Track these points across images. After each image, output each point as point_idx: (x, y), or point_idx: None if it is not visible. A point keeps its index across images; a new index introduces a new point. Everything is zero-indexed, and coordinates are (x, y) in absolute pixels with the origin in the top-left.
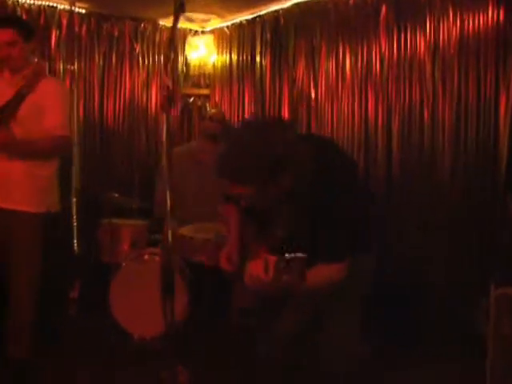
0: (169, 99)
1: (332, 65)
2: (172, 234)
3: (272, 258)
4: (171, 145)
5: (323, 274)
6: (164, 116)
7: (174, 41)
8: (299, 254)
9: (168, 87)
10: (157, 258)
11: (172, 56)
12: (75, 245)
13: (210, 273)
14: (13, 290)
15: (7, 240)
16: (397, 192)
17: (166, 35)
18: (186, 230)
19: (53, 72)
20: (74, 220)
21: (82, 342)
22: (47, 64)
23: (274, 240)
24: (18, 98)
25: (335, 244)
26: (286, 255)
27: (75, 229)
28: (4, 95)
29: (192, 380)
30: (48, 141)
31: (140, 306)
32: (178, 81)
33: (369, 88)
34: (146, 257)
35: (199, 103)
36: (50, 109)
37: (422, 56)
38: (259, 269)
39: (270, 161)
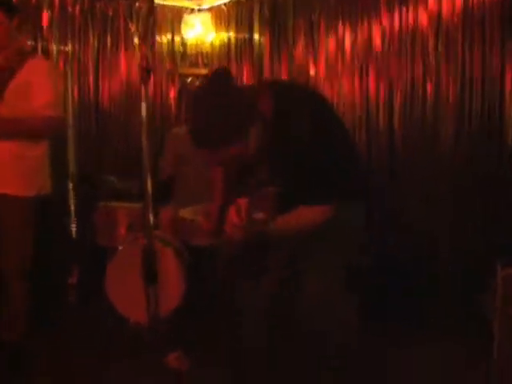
0: (147, 71)
1: (332, 41)
2: (166, 218)
3: (242, 200)
4: (168, 126)
5: (304, 215)
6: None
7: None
8: (268, 189)
9: (146, 58)
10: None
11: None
12: (73, 229)
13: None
14: (3, 276)
15: None
16: (399, 168)
17: (161, 14)
18: (186, 213)
19: (46, 53)
20: (71, 204)
21: (79, 328)
22: (40, 45)
23: (252, 188)
24: (4, 77)
25: (316, 185)
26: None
27: (72, 213)
28: None
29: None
30: (37, 120)
31: (136, 290)
32: (174, 61)
33: (369, 64)
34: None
35: (197, 83)
36: (38, 88)
37: (424, 29)
38: (233, 214)
39: (230, 115)
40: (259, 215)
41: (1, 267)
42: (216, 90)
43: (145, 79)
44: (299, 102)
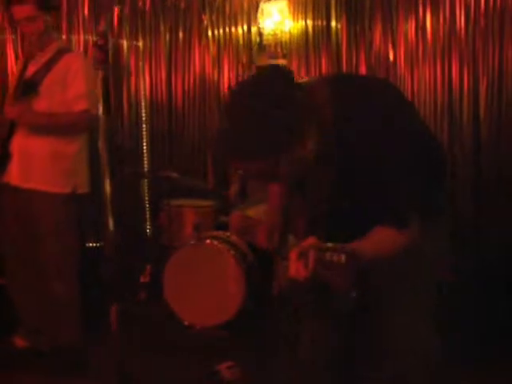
0: (105, 51)
1: (412, 25)
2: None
3: (312, 254)
4: None
5: (381, 239)
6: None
7: None
8: (346, 248)
9: (102, 34)
10: (217, 244)
11: None
12: (147, 228)
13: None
14: (47, 277)
15: (33, 222)
16: (486, 164)
17: (237, 4)
18: (254, 212)
19: (117, 49)
20: (146, 202)
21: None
22: (111, 41)
23: (315, 212)
24: (42, 72)
25: (392, 207)
26: (329, 246)
27: (147, 211)
28: (30, 71)
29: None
30: (70, 115)
31: (194, 293)
32: (252, 52)
33: (453, 48)
34: (208, 241)
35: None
36: (72, 82)
37: None
38: (299, 264)
39: (277, 126)
40: (331, 273)
41: (43, 265)
42: (257, 91)
43: (102, 61)
44: (369, 106)
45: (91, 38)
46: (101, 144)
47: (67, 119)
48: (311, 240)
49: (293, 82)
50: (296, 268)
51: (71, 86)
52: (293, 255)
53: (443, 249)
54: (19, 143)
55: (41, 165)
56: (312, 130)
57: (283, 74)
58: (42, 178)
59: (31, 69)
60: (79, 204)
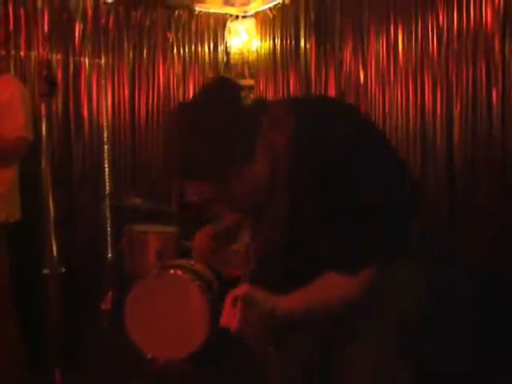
0: (50, 82)
1: (383, 45)
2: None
3: (239, 306)
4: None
5: (331, 287)
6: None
7: None
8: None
9: (48, 64)
10: (180, 274)
11: None
12: (108, 252)
13: None
14: None
15: None
16: (460, 192)
17: (203, 22)
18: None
19: (78, 67)
20: (108, 227)
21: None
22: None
23: (266, 244)
24: None
25: (346, 247)
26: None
27: (108, 235)
28: None
29: None
30: (5, 142)
31: (157, 324)
32: (219, 71)
33: (425, 69)
34: (171, 271)
35: (243, 95)
36: (8, 108)
37: (489, 27)
38: (231, 312)
39: (222, 141)
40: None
41: None
42: (201, 107)
43: (47, 93)
44: (334, 130)
45: (52, 56)
46: (44, 167)
47: (4, 147)
48: (244, 288)
49: (239, 95)
50: (227, 316)
51: (7, 111)
52: (227, 302)
53: (416, 289)
54: None
55: None
56: (266, 152)
57: (231, 86)
58: None
59: None
60: (10, 232)
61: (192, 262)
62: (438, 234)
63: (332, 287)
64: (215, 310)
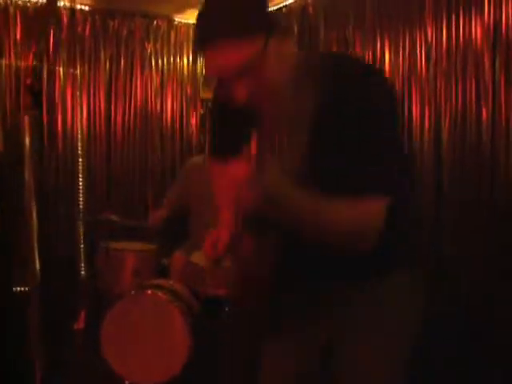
0: (34, 92)
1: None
2: (176, 263)
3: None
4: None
5: (345, 210)
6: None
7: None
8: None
9: (31, 72)
10: (160, 295)
11: None
12: (82, 270)
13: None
14: None
15: None
16: (449, 210)
17: (183, 33)
18: (197, 257)
19: (52, 77)
20: (81, 244)
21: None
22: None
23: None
24: None
25: (368, 168)
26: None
27: (82, 252)
28: None
29: None
30: None
31: (135, 348)
32: (197, 84)
33: (413, 86)
34: (150, 292)
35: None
36: None
37: (478, 44)
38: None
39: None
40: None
41: None
42: None
43: (30, 106)
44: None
45: (23, 64)
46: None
47: None
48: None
49: None
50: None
51: None
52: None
53: (417, 301)
54: None
55: None
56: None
57: None
58: None
59: None
60: None
61: (171, 282)
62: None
63: (342, 205)
64: (196, 332)
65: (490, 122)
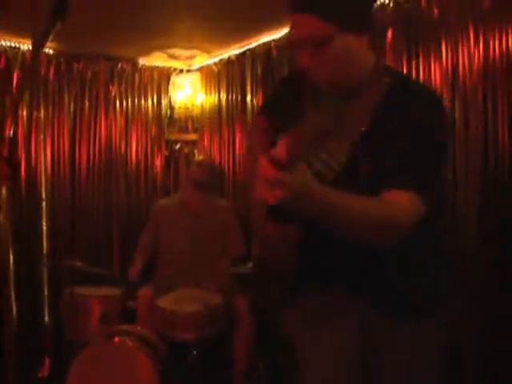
0: (12, 163)
1: None
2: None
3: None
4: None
5: (383, 205)
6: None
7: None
8: None
9: (9, 142)
10: (129, 342)
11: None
12: (46, 317)
13: (199, 352)
14: None
15: None
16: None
17: (147, 76)
18: (165, 302)
19: (15, 119)
20: (45, 290)
21: None
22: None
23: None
24: None
25: (411, 164)
26: None
27: (46, 299)
28: None
29: None
30: None
31: None
32: (162, 125)
33: None
34: (117, 339)
35: (186, 150)
36: None
37: (437, 84)
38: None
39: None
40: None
41: None
42: None
43: (8, 177)
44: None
45: None
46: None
47: None
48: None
49: None
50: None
51: None
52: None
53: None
54: None
55: None
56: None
57: None
58: None
59: None
60: None
61: (138, 328)
62: None
63: (380, 203)
64: (164, 377)
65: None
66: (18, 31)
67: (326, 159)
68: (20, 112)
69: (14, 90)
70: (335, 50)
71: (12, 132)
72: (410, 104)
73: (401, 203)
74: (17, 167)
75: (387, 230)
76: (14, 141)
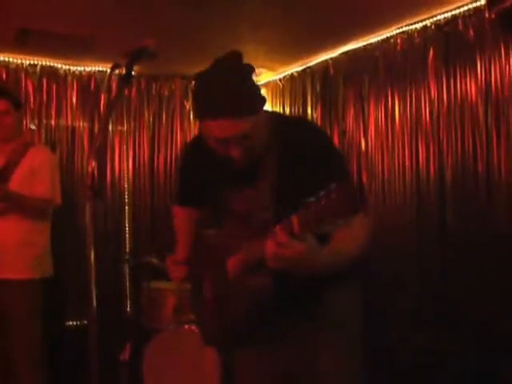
0: (94, 191)
1: (381, 114)
2: None
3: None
4: None
5: (347, 235)
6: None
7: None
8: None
9: (93, 172)
10: (197, 330)
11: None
12: (128, 307)
13: None
14: (15, 360)
15: (4, 311)
16: (452, 247)
17: None
18: None
19: (103, 133)
20: (127, 283)
21: None
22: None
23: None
24: (11, 165)
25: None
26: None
27: (128, 291)
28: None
29: None
30: (35, 200)
31: (173, 375)
32: None
33: (419, 136)
34: (186, 327)
35: None
36: (39, 175)
37: (473, 100)
38: (273, 243)
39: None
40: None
41: (12, 351)
42: None
43: (91, 196)
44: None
45: (78, 124)
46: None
47: (35, 204)
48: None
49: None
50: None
51: (39, 180)
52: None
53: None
54: None
55: (14, 254)
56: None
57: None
58: (15, 268)
59: (0, 160)
60: (45, 288)
61: None
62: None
63: (351, 233)
64: (227, 365)
65: (484, 170)
66: (104, 58)
67: None
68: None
69: (101, 109)
70: (256, 133)
71: (99, 144)
72: (298, 139)
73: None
74: (98, 192)
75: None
76: (94, 174)
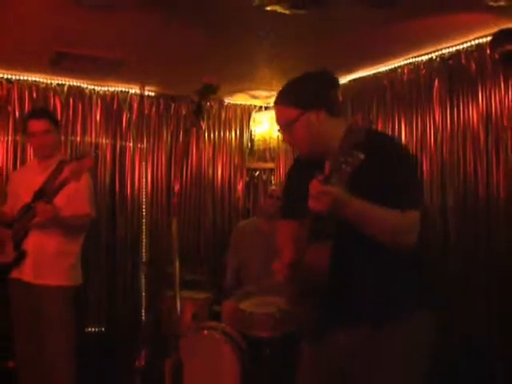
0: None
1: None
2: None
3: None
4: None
5: (388, 214)
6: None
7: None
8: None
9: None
10: (216, 335)
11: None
12: (142, 315)
13: (270, 348)
14: (49, 361)
15: (43, 313)
16: (453, 268)
17: (231, 112)
18: (245, 305)
19: (123, 150)
20: (143, 291)
21: None
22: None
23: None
24: (50, 182)
25: (404, 190)
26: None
27: (143, 299)
28: (34, 180)
29: None
30: (78, 218)
31: (194, 378)
32: (243, 155)
33: (423, 157)
34: (205, 332)
35: (264, 177)
36: (79, 192)
37: (474, 126)
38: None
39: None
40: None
41: (46, 354)
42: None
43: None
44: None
45: (101, 141)
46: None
47: (76, 222)
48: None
49: None
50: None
51: (75, 193)
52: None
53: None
54: (34, 244)
55: (52, 262)
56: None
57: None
58: (53, 275)
59: (39, 178)
60: (78, 293)
61: (223, 325)
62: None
63: (389, 212)
64: (244, 367)
65: (485, 193)
66: (127, 79)
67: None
68: (128, 144)
69: (123, 126)
70: (299, 127)
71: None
72: (378, 146)
73: (409, 214)
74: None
75: (402, 234)
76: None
